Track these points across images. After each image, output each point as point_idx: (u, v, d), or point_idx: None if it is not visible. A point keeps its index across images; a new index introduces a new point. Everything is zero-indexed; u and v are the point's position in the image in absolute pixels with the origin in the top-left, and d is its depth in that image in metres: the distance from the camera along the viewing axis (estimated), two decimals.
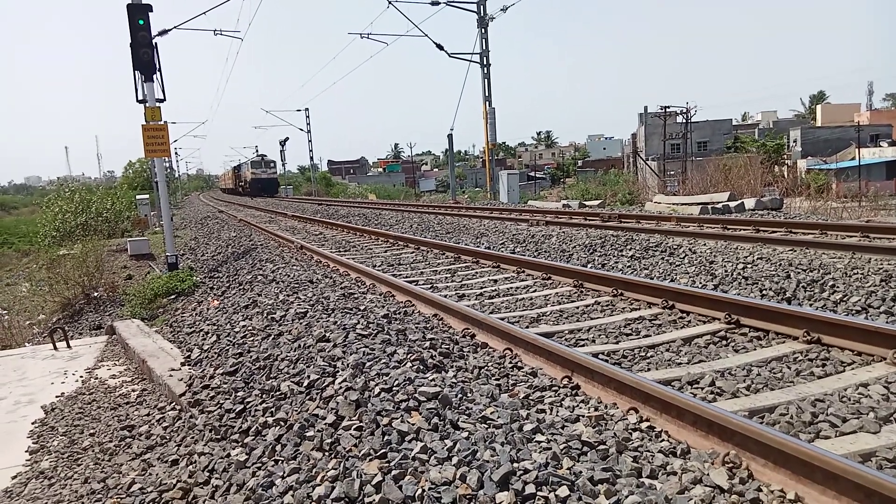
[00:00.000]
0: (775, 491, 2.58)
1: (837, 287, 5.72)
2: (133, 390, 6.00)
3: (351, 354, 4.35)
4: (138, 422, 4.99)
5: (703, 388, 3.79)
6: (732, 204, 13.98)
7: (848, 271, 6.11)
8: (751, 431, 2.79)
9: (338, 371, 4.08)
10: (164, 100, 13.09)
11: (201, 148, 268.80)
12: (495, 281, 7.87)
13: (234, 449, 3.60)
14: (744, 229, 10.19)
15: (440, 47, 24.02)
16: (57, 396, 6.14)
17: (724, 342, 4.70)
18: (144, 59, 12.64)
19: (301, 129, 52.24)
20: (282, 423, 3.63)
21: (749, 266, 6.86)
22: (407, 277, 8.44)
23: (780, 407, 3.40)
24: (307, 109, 52.62)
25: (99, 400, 5.88)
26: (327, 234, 16.22)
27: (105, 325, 9.96)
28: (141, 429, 4.78)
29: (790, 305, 5.34)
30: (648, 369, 4.25)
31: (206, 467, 3.52)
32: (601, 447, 2.96)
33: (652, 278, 7.01)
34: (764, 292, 5.96)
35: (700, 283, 6.63)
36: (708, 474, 2.70)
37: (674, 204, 16.35)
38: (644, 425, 3.27)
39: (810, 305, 5.45)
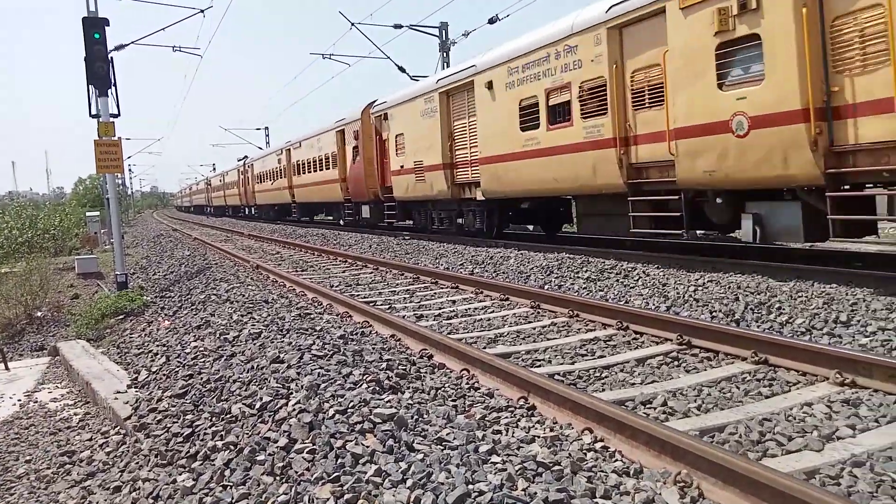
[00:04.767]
0: None
1: (783, 309, 5.91)
2: (75, 414, 5.75)
3: (305, 376, 4.27)
4: (80, 447, 4.78)
5: (655, 408, 3.85)
6: None
7: (793, 294, 6.32)
8: (701, 451, 2.84)
9: (291, 393, 4.00)
10: (119, 115, 12.78)
11: (156, 165, 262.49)
12: (454, 302, 7.87)
13: (180, 474, 3.47)
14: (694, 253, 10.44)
15: (402, 69, 24.19)
16: None
17: (676, 363, 4.79)
18: (99, 74, 12.34)
19: (260, 148, 51.70)
20: (232, 447, 3.53)
21: (700, 288, 7.04)
22: (365, 298, 8.37)
23: (730, 426, 3.47)
24: (267, 128, 52.17)
25: (38, 424, 5.61)
26: (284, 253, 16.00)
27: (48, 345, 9.55)
28: (82, 454, 4.58)
29: (739, 327, 5.49)
30: (603, 389, 4.29)
31: (151, 494, 3.39)
32: (556, 468, 2.96)
33: (607, 300, 7.12)
34: (714, 314, 6.11)
35: (653, 304, 6.76)
36: (660, 494, 2.72)
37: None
38: (598, 445, 3.29)
39: (758, 327, 5.60)
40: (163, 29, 17.47)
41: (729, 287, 6.92)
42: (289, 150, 29.14)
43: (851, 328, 5.24)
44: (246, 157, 42.52)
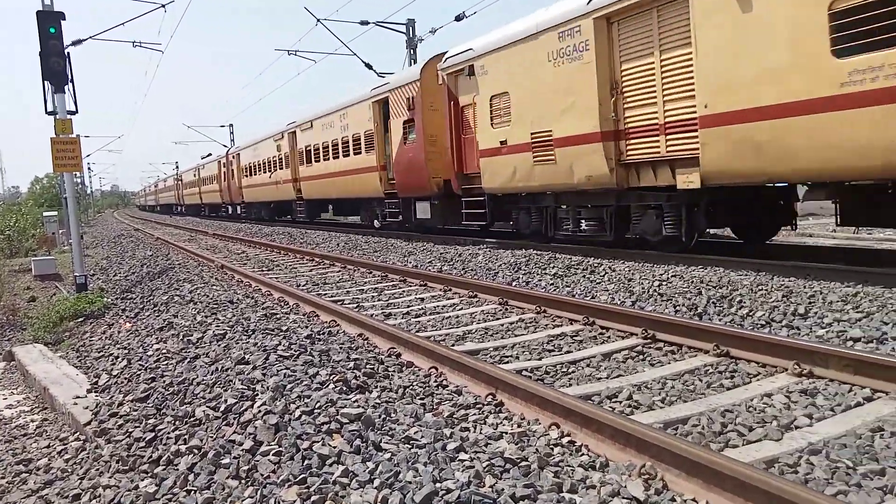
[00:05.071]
0: (688, 500, 2.67)
1: (744, 302, 6.04)
2: (32, 421, 5.58)
3: (271, 377, 4.21)
4: (36, 455, 4.63)
5: (621, 402, 3.90)
6: None
7: (754, 287, 6.47)
8: (665, 443, 2.88)
9: (257, 394, 3.94)
10: (76, 112, 12.43)
11: (116, 164, 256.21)
12: (422, 299, 7.86)
13: (142, 480, 3.39)
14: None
15: (369, 66, 24.03)
16: None
17: (641, 357, 4.86)
18: (55, 69, 11.98)
19: (224, 146, 50.85)
20: (196, 451, 3.46)
21: (664, 283, 7.16)
22: (332, 297, 8.30)
23: (693, 418, 3.54)
24: (231, 125, 51.33)
25: None
26: (250, 252, 15.77)
27: (2, 350, 9.24)
28: (39, 462, 4.44)
29: (701, 321, 5.60)
30: (570, 385, 4.34)
31: (112, 501, 3.31)
32: (523, 463, 2.97)
33: (574, 296, 7.19)
34: (678, 308, 6.22)
35: (619, 299, 6.85)
36: (625, 486, 2.76)
37: None
38: (565, 440, 3.31)
39: (720, 320, 5.72)
40: (122, 24, 16.94)
41: (692, 281, 7.05)
42: (293, 132, 22.93)
43: (809, 320, 5.38)
44: (210, 154, 41.33)
